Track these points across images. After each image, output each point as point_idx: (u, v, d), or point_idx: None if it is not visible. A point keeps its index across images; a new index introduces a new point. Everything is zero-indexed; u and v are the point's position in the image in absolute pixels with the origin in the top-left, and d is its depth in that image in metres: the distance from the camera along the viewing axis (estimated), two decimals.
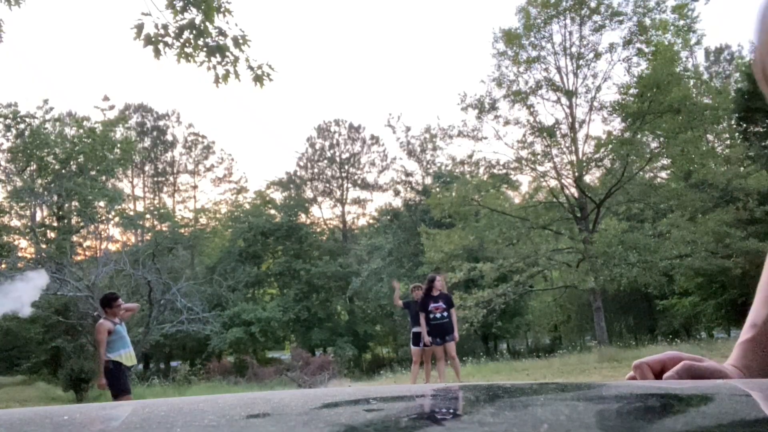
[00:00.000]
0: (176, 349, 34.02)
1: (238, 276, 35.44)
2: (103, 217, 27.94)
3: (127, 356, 6.65)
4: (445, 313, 8.64)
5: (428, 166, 35.35)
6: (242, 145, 73.74)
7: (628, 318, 33.87)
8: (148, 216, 38.83)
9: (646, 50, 19.46)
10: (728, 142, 24.84)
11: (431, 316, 8.63)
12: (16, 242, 27.82)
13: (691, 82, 20.00)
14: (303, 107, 76.47)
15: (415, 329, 8.93)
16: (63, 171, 24.85)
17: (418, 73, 73.43)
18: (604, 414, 0.52)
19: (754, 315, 0.84)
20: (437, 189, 25.99)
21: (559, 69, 20.22)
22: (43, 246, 25.49)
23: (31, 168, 25.69)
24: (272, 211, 39.37)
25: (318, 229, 41.92)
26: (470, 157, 21.47)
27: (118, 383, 6.48)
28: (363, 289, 33.48)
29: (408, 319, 10.12)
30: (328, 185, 44.21)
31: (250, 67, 5.73)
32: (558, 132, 20.07)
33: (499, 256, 20.22)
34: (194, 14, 5.49)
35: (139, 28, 5.30)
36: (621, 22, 19.56)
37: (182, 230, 39.11)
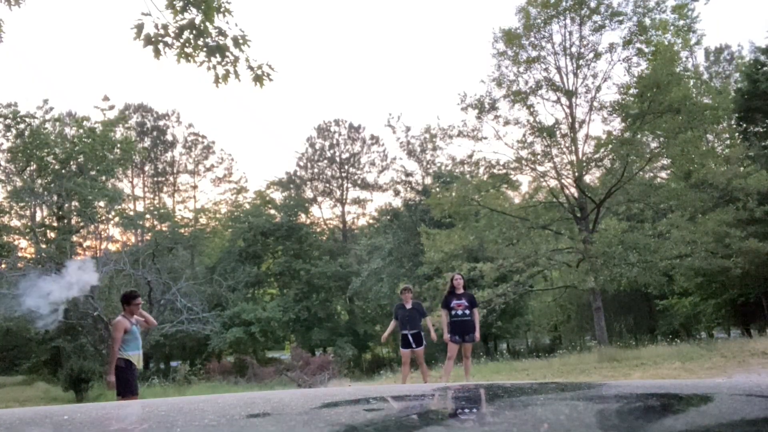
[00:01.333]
0: (176, 349, 34.00)
1: (238, 276, 35.43)
2: (103, 217, 27.92)
3: (137, 358, 6.61)
4: (467, 311, 8.67)
5: (428, 166, 35.35)
6: (242, 145, 73.84)
7: (628, 318, 33.85)
8: (148, 216, 38.81)
9: (646, 50, 19.44)
10: (728, 142, 24.83)
11: (453, 313, 8.67)
12: (16, 242, 27.82)
13: (691, 82, 19.98)
14: (303, 107, 76.53)
15: (403, 331, 9.03)
16: (63, 171, 24.83)
17: (418, 73, 73.49)
18: (604, 414, 0.52)
19: None
20: (437, 189, 25.97)
21: (559, 69, 20.22)
22: (43, 246, 25.46)
23: (31, 168, 25.66)
24: (272, 211, 39.34)
25: (318, 229, 41.90)
26: (470, 157, 21.45)
27: (127, 383, 6.42)
28: (363, 289, 33.47)
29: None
30: (328, 185, 44.20)
31: (250, 67, 5.72)
32: (558, 132, 20.05)
33: (499, 256, 20.19)
34: (194, 14, 5.49)
35: (139, 28, 5.30)
36: (621, 22, 19.55)
37: (182, 230, 39.09)
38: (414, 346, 8.94)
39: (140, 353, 6.69)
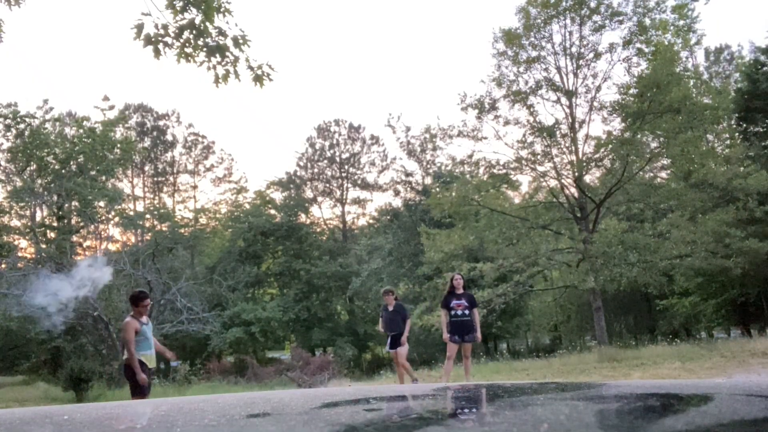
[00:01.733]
0: (176, 349, 33.84)
1: (238, 276, 35.41)
2: (103, 217, 27.92)
3: (149, 358, 6.59)
4: (467, 311, 8.71)
5: (428, 166, 35.36)
6: (242, 145, 73.82)
7: (628, 318, 33.85)
8: (148, 216, 38.79)
9: (646, 50, 19.44)
10: (728, 142, 24.82)
11: (452, 313, 8.72)
12: (16, 242, 27.83)
13: (691, 82, 19.97)
14: (303, 107, 76.53)
15: (387, 332, 9.20)
16: (63, 171, 24.83)
17: (418, 73, 73.49)
18: (604, 414, 0.52)
19: None
20: (437, 189, 25.96)
21: (559, 69, 20.21)
22: (43, 246, 25.46)
23: (31, 168, 25.67)
24: (272, 211, 39.34)
25: (318, 229, 41.90)
26: (470, 157, 21.45)
27: (138, 384, 6.43)
28: (363, 289, 33.46)
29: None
30: (328, 185, 44.20)
31: (250, 67, 5.72)
32: (558, 132, 20.05)
33: (499, 256, 20.20)
34: (194, 14, 5.48)
35: (139, 28, 5.30)
36: (621, 22, 19.55)
37: (182, 230, 39.07)
38: (391, 347, 9.19)
39: (152, 353, 6.67)
